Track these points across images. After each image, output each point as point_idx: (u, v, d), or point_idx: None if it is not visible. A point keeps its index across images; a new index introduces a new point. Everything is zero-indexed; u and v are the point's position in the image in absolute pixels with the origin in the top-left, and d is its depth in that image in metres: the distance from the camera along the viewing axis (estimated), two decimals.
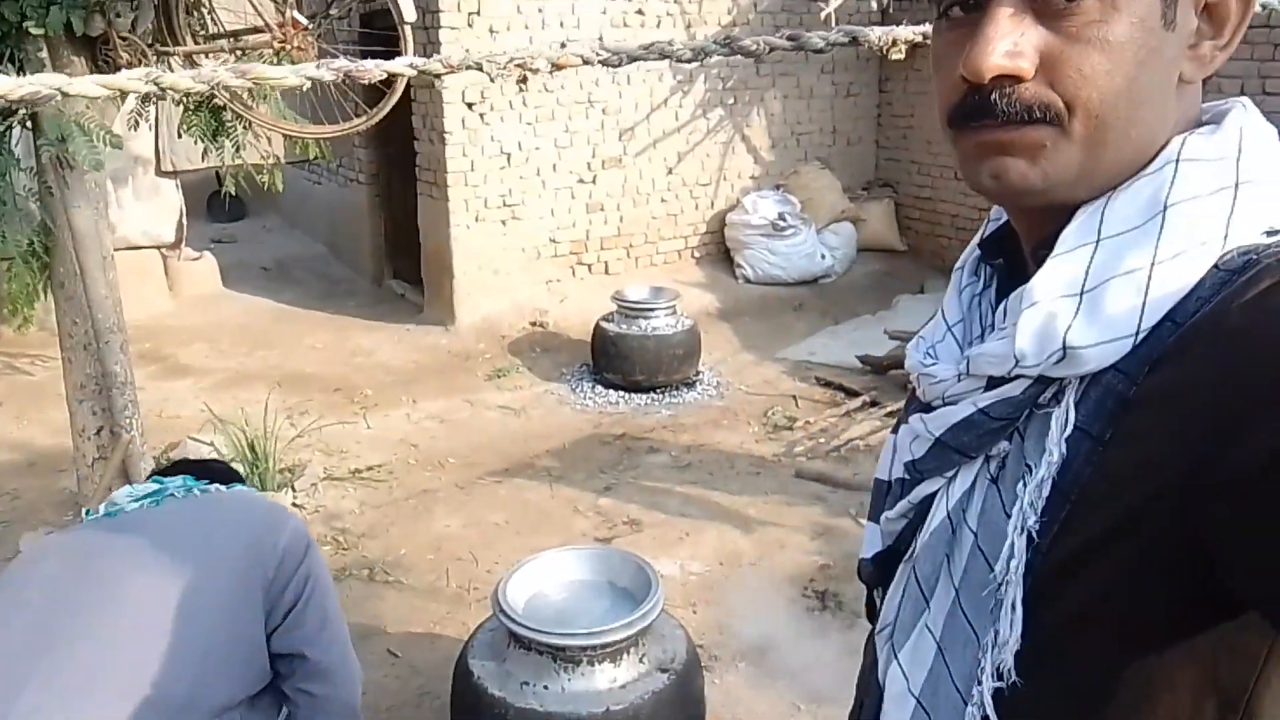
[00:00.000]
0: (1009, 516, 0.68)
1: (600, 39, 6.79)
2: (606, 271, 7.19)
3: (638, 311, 5.77)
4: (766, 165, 7.82)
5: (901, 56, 2.36)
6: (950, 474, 0.75)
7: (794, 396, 5.65)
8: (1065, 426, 0.66)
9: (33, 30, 3.21)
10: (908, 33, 2.11)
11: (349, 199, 8.16)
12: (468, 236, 6.60)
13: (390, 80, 3.80)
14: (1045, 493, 0.67)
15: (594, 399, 5.67)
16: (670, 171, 7.39)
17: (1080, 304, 0.65)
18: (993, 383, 0.71)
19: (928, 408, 0.78)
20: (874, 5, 7.33)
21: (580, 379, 5.94)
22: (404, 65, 1.94)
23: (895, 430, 0.84)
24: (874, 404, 5.38)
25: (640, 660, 2.49)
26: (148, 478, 1.91)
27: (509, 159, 6.68)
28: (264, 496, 1.95)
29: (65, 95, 1.48)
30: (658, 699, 2.43)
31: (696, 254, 7.64)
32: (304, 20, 3.54)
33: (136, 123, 4.52)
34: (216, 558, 1.65)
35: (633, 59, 1.90)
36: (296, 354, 6.39)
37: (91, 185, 3.53)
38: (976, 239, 0.83)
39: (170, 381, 5.86)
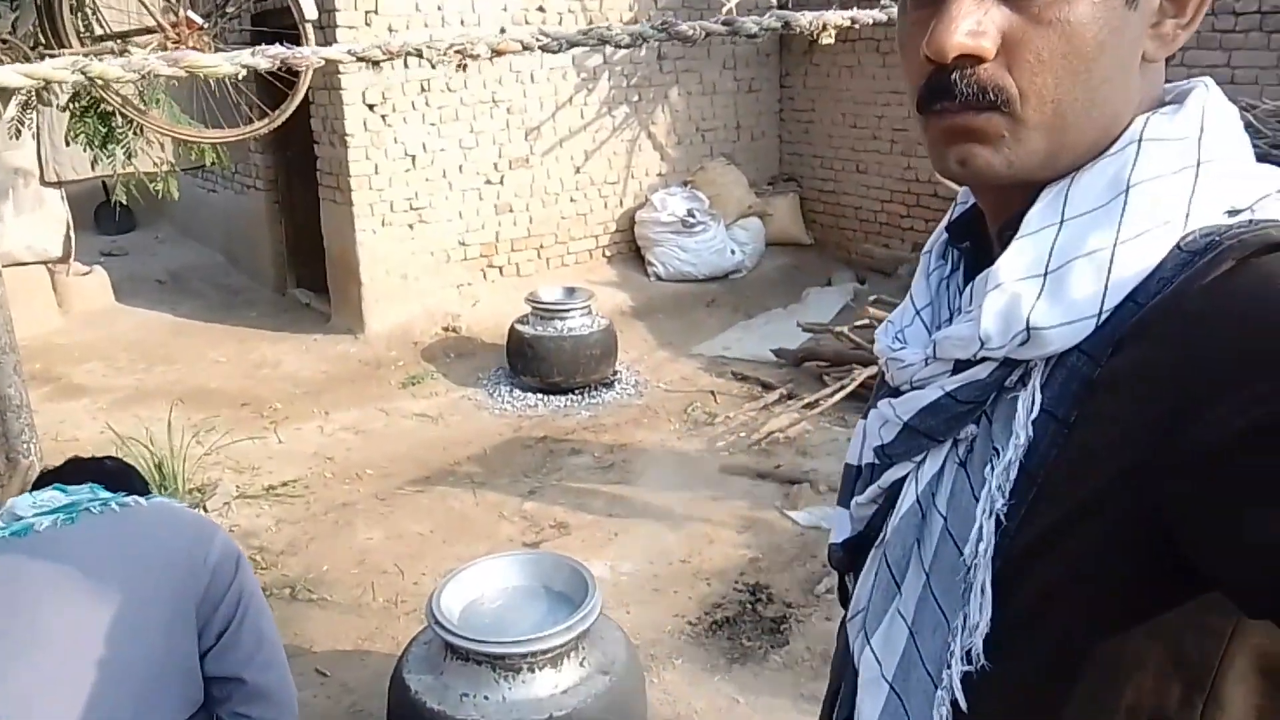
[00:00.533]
0: (977, 500, 0.69)
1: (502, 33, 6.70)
2: (518, 273, 7.12)
3: (553, 312, 5.72)
4: (673, 162, 7.84)
5: (831, 41, 2.38)
6: (919, 458, 0.75)
7: (712, 392, 5.68)
8: (1031, 409, 0.66)
9: None
10: (837, 17, 2.13)
11: (246, 206, 7.90)
12: (374, 241, 6.46)
13: (291, 80, 3.69)
14: (1013, 475, 0.67)
15: (512, 402, 5.60)
16: (578, 170, 7.35)
17: (1044, 285, 0.65)
18: (960, 366, 0.71)
19: (896, 392, 0.78)
20: (773, 2, 7.41)
21: (497, 383, 5.86)
22: (341, 51, 1.88)
23: (865, 415, 0.83)
24: (791, 396, 5.44)
25: (581, 664, 2.46)
26: (44, 482, 1.74)
27: (414, 161, 6.55)
28: (185, 508, 1.83)
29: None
30: (600, 702, 2.40)
31: (607, 253, 7.62)
32: (199, 19, 3.41)
33: (18, 131, 4.30)
34: (145, 579, 1.56)
35: (572, 44, 1.87)
36: (198, 368, 6.16)
37: None
38: (944, 221, 0.83)
39: (65, 402, 5.59)
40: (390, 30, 6.26)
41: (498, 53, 1.91)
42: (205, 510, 4.22)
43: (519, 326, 5.76)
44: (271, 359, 6.34)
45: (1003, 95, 0.65)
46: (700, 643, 3.32)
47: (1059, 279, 0.65)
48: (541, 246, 7.26)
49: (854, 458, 0.84)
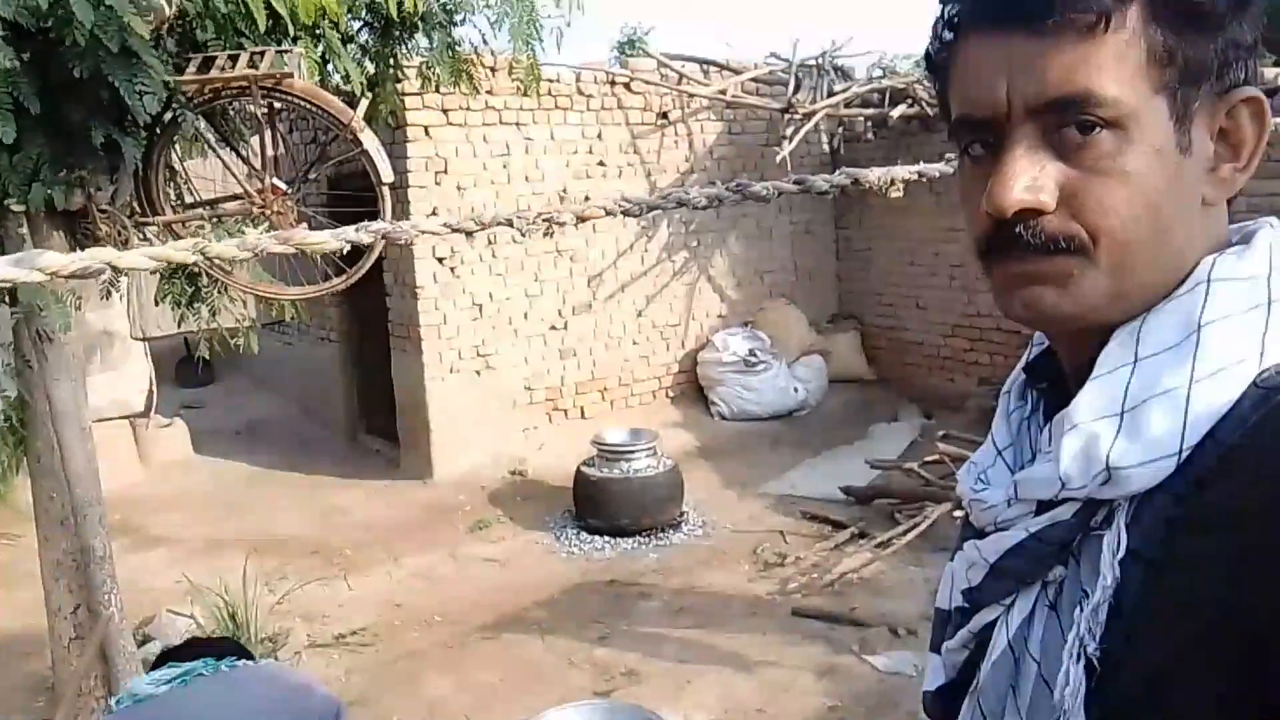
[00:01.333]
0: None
1: (564, 191, 6.98)
2: (583, 416, 7.19)
3: (618, 454, 5.74)
4: (733, 303, 7.96)
5: (900, 194, 2.43)
6: (1008, 601, 0.74)
7: (781, 532, 5.59)
8: (1118, 549, 0.65)
9: (14, 207, 3.24)
10: (904, 172, 2.19)
11: (320, 357, 8.16)
12: (442, 388, 6.60)
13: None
14: (1102, 618, 0.65)
15: (579, 546, 5.57)
16: (640, 314, 7.49)
17: (1121, 424, 0.65)
18: (1043, 507, 0.71)
19: (981, 534, 0.77)
20: (824, 147, 7.64)
21: (564, 526, 5.84)
22: (438, 224, 1.98)
23: (952, 558, 0.82)
24: (863, 535, 5.33)
25: None
26: (162, 661, 1.87)
27: (480, 310, 6.75)
28: (288, 668, 1.91)
29: (114, 269, 1.48)
30: None
31: (670, 394, 7.67)
32: (283, 186, 3.61)
33: (109, 292, 4.54)
34: None
35: (651, 208, 1.95)
36: (271, 517, 6.25)
37: (70, 357, 3.50)
38: (1022, 363, 0.84)
39: (143, 553, 5.68)
40: (459, 189, 6.55)
41: (582, 219, 1.99)
42: (277, 660, 4.21)
43: (585, 469, 5.78)
44: (342, 506, 6.42)
45: (1075, 241, 0.67)
46: None
47: (1136, 418, 0.65)
48: (605, 389, 7.35)
49: (944, 601, 0.83)
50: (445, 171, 6.50)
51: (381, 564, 5.43)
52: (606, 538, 5.61)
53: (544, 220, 1.96)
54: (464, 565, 5.39)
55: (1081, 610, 0.66)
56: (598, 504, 5.66)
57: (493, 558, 5.46)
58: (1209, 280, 0.67)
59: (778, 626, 4.40)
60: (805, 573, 4.98)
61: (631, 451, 5.73)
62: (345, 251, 2.05)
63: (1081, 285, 0.67)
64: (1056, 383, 0.77)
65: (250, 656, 1.94)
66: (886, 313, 8.16)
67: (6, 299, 3.35)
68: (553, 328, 7.07)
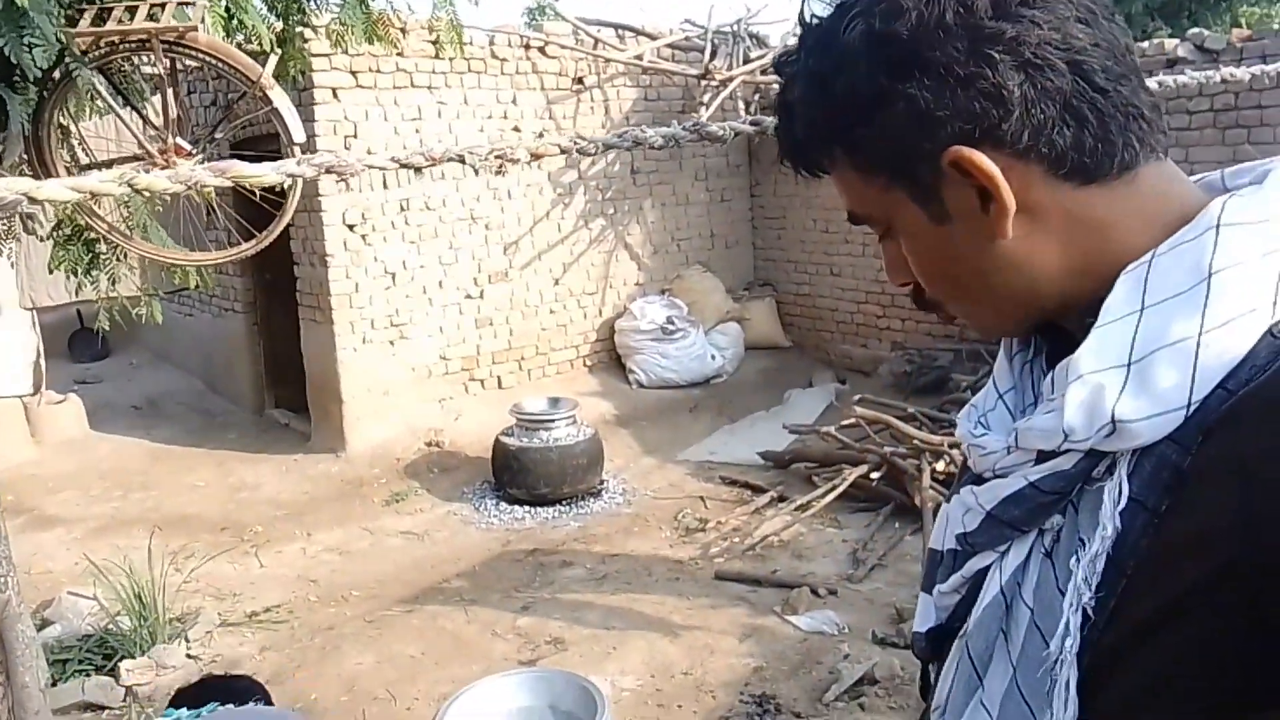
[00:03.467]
0: (1063, 592, 0.67)
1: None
2: (500, 386, 7.10)
3: (538, 423, 5.69)
4: (650, 271, 7.94)
5: None
6: (1003, 548, 0.73)
7: (701, 498, 5.62)
8: (1119, 500, 0.65)
9: None
10: None
11: (225, 328, 7.88)
12: (355, 359, 6.44)
13: (277, 201, 3.72)
14: (1099, 568, 0.65)
15: (499, 516, 5.51)
16: (557, 283, 7.42)
17: (1128, 376, 0.64)
18: (1043, 455, 0.70)
19: (979, 479, 0.76)
20: (741, 114, 7.63)
21: (483, 497, 5.78)
22: (386, 159, 1.90)
23: (948, 499, 0.81)
24: (782, 499, 5.40)
25: None
26: (176, 703, 1.89)
27: (394, 278, 6.59)
28: (279, 710, 1.89)
29: (32, 200, 1.37)
30: None
31: (588, 362, 7.63)
32: (187, 145, 3.44)
33: None
34: None
35: (608, 147, 1.90)
36: (176, 494, 6.03)
37: None
38: None
39: (38, 533, 5.43)
40: (369, 153, 6.36)
41: (535, 156, 1.94)
42: (187, 640, 4.07)
43: (504, 439, 5.71)
44: (251, 481, 6.23)
45: (929, 300, 0.78)
46: None
47: (1143, 370, 0.64)
48: (522, 359, 7.27)
49: (937, 543, 0.82)
50: (355, 136, 6.31)
51: (294, 540, 5.29)
52: (527, 507, 5.57)
53: (497, 156, 1.89)
54: (380, 539, 5.29)
55: (1078, 560, 0.65)
56: (517, 473, 5.61)
57: (410, 530, 5.37)
58: (1218, 225, 0.65)
59: (701, 590, 4.42)
60: (726, 537, 5.02)
61: (551, 420, 5.69)
62: (282, 188, 1.95)
63: (969, 323, 0.79)
64: (1059, 326, 0.76)
65: (266, 695, 1.90)
66: (801, 280, 8.24)
67: None
68: (468, 296, 6.95)
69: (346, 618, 4.35)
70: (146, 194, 1.64)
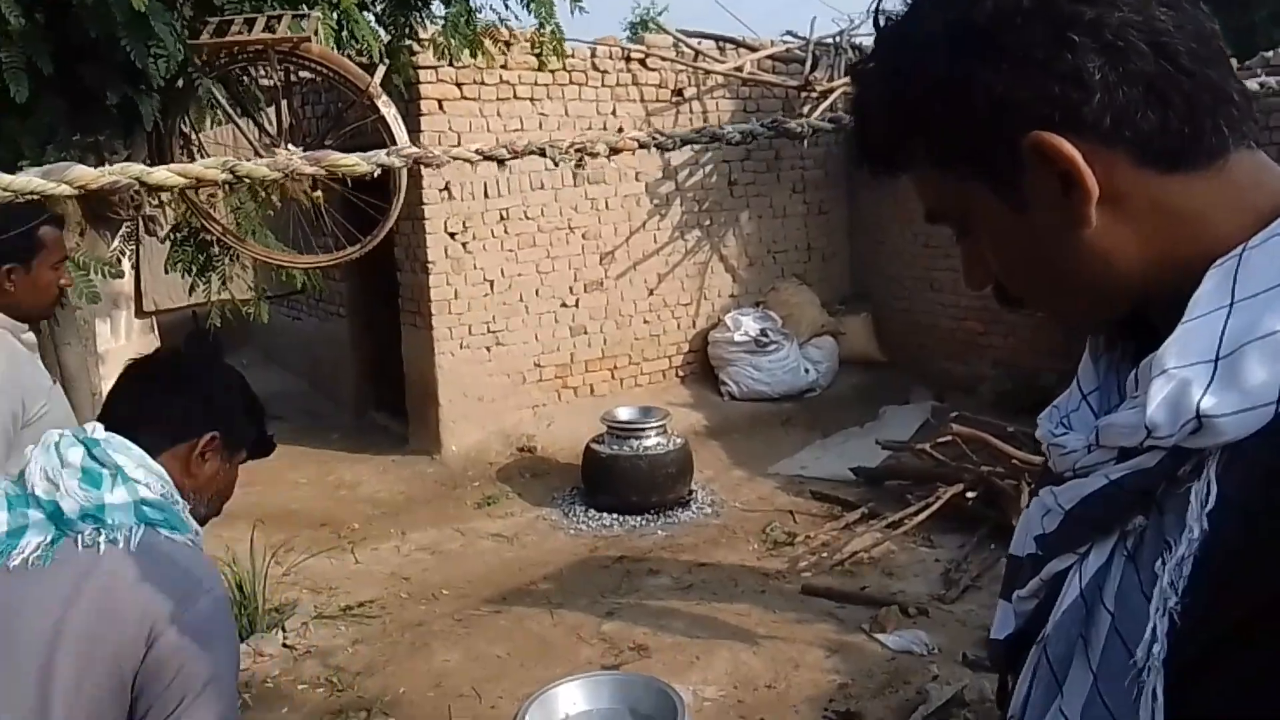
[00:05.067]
0: (1147, 597, 0.64)
1: (578, 164, 6.93)
2: (592, 393, 7.16)
3: (629, 432, 5.72)
4: (745, 283, 7.92)
5: None
6: (1083, 550, 0.71)
7: (790, 512, 5.57)
8: (1207, 501, 0.62)
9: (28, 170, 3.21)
10: None
11: (329, 332, 8.14)
12: (452, 364, 6.58)
13: (382, 208, 3.83)
14: (1186, 572, 0.62)
15: (588, 522, 5.56)
16: (651, 293, 7.46)
17: (1215, 371, 0.62)
18: (1125, 454, 0.68)
19: (1059, 480, 0.74)
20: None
21: (572, 503, 5.83)
22: (470, 151, 1.96)
23: (1027, 504, 0.80)
24: (873, 516, 5.31)
25: None
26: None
27: (492, 286, 6.72)
28: (192, 561, 1.43)
29: (143, 184, 1.45)
30: None
31: (681, 373, 7.65)
32: (298, 152, 3.57)
33: (119, 259, 4.51)
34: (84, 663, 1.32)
35: (685, 142, 1.93)
36: (279, 490, 6.24)
37: (81, 323, 3.48)
38: None
39: None
40: (472, 165, 6.50)
41: (615, 151, 1.98)
42: (284, 630, 4.20)
43: (594, 446, 5.76)
44: (350, 480, 6.41)
45: (1012, 296, 0.77)
46: None
47: (1231, 365, 0.62)
48: (615, 367, 7.32)
49: (1017, 548, 0.80)
50: (457, 144, 6.46)
51: (389, 538, 5.42)
52: (615, 515, 5.60)
53: (576, 150, 1.93)
54: (471, 541, 5.38)
55: (1164, 563, 0.63)
56: (607, 481, 5.65)
57: (500, 534, 5.45)
58: None
59: (787, 604, 4.38)
60: (815, 551, 4.96)
61: (642, 429, 5.71)
62: (375, 175, 2.02)
63: (1052, 317, 0.79)
64: (1146, 325, 0.74)
65: (201, 408, 1.55)
66: (899, 294, 8.10)
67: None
68: (564, 304, 7.04)
69: (436, 615, 4.44)
70: (247, 181, 1.72)
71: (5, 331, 2.31)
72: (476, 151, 1.98)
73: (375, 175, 1.95)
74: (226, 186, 3.86)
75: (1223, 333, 0.63)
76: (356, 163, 1.80)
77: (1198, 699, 0.61)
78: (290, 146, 3.55)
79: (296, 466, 6.68)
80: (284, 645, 4.12)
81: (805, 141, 7.05)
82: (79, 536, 1.34)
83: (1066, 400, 0.78)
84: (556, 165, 2.04)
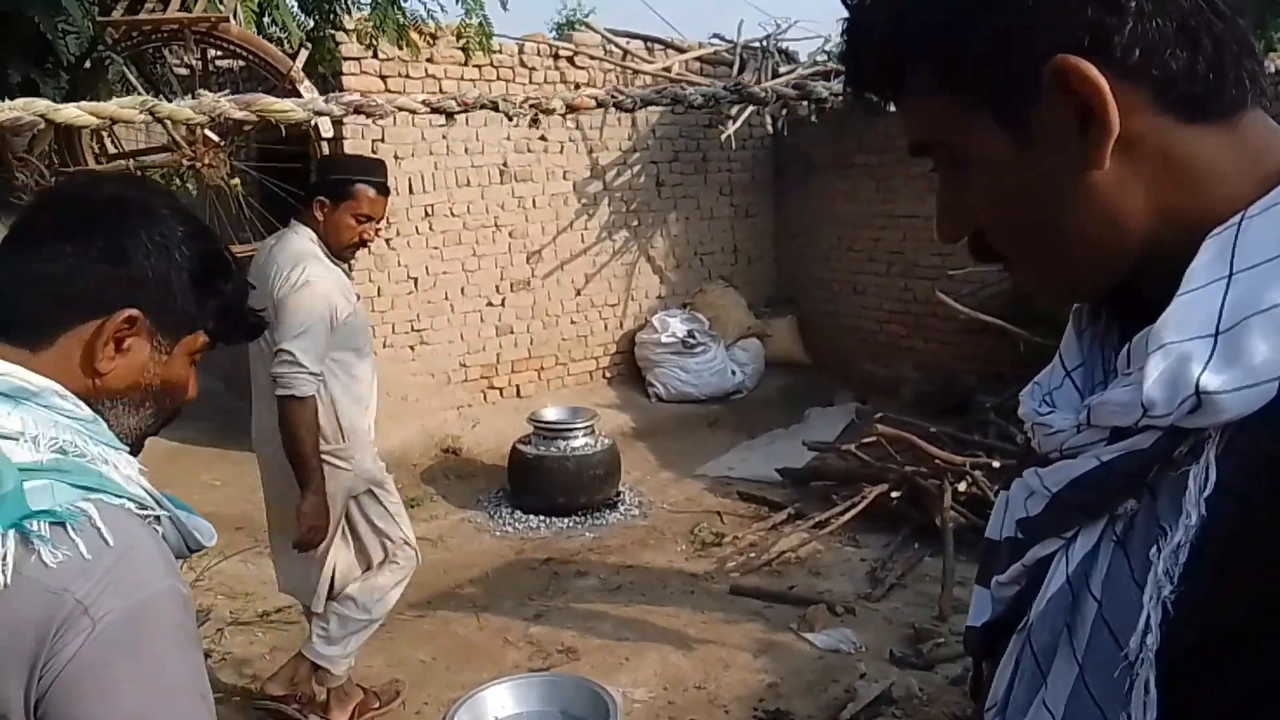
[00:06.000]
0: (1138, 584, 0.61)
1: (504, 163, 6.86)
2: (518, 394, 7.07)
3: (556, 432, 5.65)
4: (672, 285, 7.91)
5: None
6: (1069, 534, 0.67)
7: (718, 512, 5.56)
8: (1205, 485, 0.59)
9: None
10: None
11: None
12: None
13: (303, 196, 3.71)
14: (1182, 559, 0.59)
15: (514, 524, 5.47)
16: (579, 293, 7.40)
17: (1215, 346, 0.59)
18: (1117, 434, 0.65)
19: (1044, 461, 0.70)
20: (768, 129, 7.62)
21: (498, 504, 5.74)
22: (417, 101, 1.89)
23: (1007, 485, 0.76)
24: (799, 516, 5.32)
25: None
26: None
27: (416, 284, 6.59)
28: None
29: (49, 121, 1.35)
30: None
31: (608, 374, 7.60)
32: (215, 138, 3.44)
33: None
34: None
35: (647, 102, 1.89)
36: (193, 493, 6.01)
37: None
38: None
39: None
40: (396, 158, 6.37)
41: (571, 109, 1.93)
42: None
43: (521, 447, 5.68)
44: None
45: (991, 251, 0.71)
46: None
47: (1232, 339, 0.58)
48: (542, 368, 7.25)
49: (994, 532, 0.76)
50: (382, 140, 6.32)
51: None
52: (542, 516, 5.52)
53: (532, 106, 1.88)
54: None
55: (1159, 549, 0.60)
56: (533, 482, 5.57)
57: (425, 536, 5.31)
58: None
59: (716, 604, 4.36)
60: (742, 552, 4.95)
61: (570, 429, 5.65)
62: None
63: (1034, 282, 0.71)
64: (1132, 299, 0.70)
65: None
66: (825, 297, 8.19)
67: None
68: (490, 304, 6.94)
69: None
70: (169, 122, 1.62)
71: (323, 255, 3.01)
72: (423, 103, 1.91)
73: (311, 123, 1.86)
74: (139, 172, 3.71)
75: (1222, 305, 0.60)
76: (290, 109, 1.71)
77: (1191, 692, 0.58)
78: (207, 132, 3.42)
79: (212, 467, 6.46)
80: None
81: (733, 143, 7.08)
82: None
83: (1049, 377, 0.74)
84: (510, 120, 1.99)
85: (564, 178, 7.21)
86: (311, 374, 2.95)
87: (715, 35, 7.94)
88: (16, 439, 0.91)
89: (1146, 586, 0.60)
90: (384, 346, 6.44)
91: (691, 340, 7.36)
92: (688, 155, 7.88)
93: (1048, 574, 0.68)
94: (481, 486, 6.01)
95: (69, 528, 0.90)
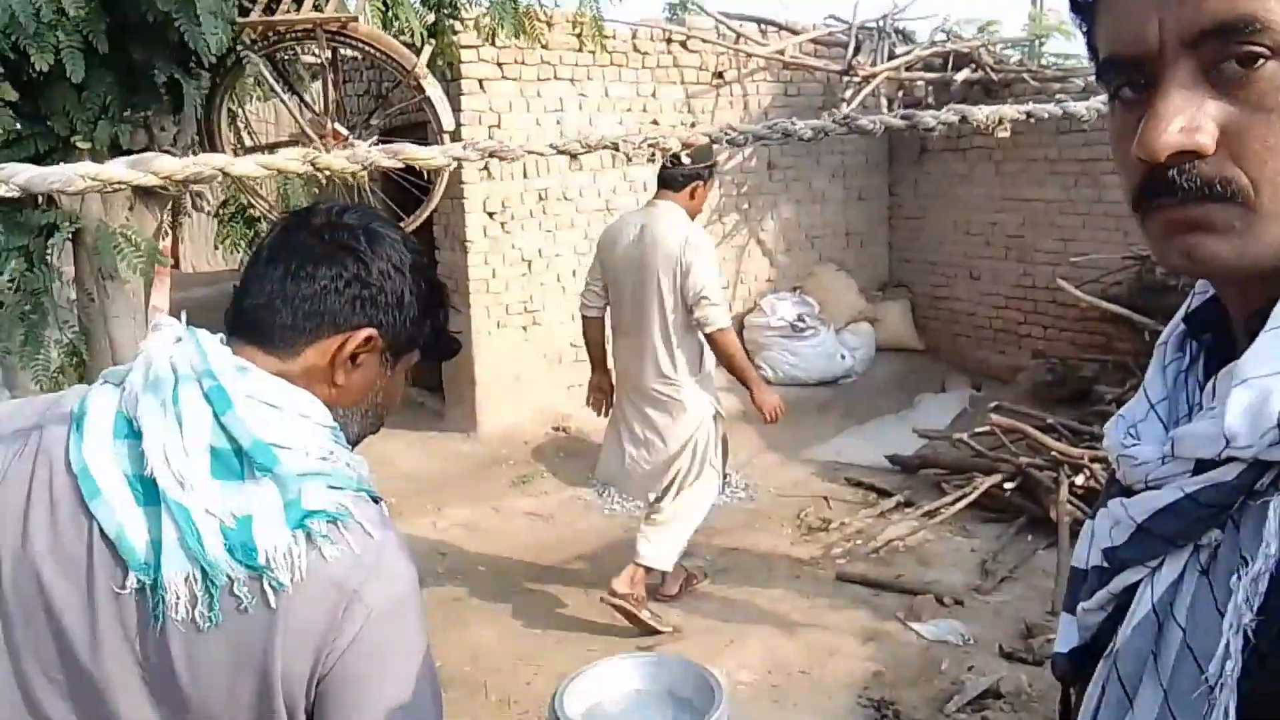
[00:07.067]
0: (1220, 613, 0.62)
1: (617, 147, 6.92)
2: None
3: None
4: (782, 268, 7.88)
5: (1007, 134, 2.35)
6: (1154, 563, 0.69)
7: (825, 498, 5.56)
8: None
9: (80, 144, 3.26)
10: (1012, 111, 2.13)
11: None
12: (489, 344, 6.61)
13: (425, 187, 3.85)
14: (1262, 589, 0.60)
15: (621, 503, 5.57)
16: None
17: None
18: (1201, 466, 0.66)
19: (1128, 491, 0.72)
20: (884, 111, 7.49)
21: (606, 484, 5.84)
22: (544, 145, 1.98)
23: (1093, 515, 0.78)
24: (908, 504, 5.29)
25: None
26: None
27: (529, 266, 6.73)
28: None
29: (227, 175, 1.48)
30: None
31: None
32: (345, 131, 3.60)
33: (168, 233, 4.58)
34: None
35: (757, 138, 1.93)
36: None
37: (130, 296, 3.54)
38: (1181, 312, 0.78)
39: None
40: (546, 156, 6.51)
41: (687, 146, 1.98)
42: None
43: None
44: (386, 455, 6.45)
45: (1231, 186, 0.61)
46: None
47: None
48: None
49: (1080, 560, 0.78)
50: (499, 126, 6.47)
51: (425, 514, 5.47)
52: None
53: (650, 145, 1.94)
54: (507, 518, 5.42)
55: (1239, 579, 0.61)
56: None
57: (535, 512, 5.49)
58: None
59: (821, 590, 4.38)
60: (849, 538, 4.95)
61: None
62: (429, 174, 2.03)
63: (1245, 235, 0.62)
64: (1221, 334, 0.71)
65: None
66: (939, 282, 8.03)
67: (72, 237, 3.38)
68: None
69: (473, 592, 4.48)
70: (326, 173, 1.73)
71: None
72: (550, 146, 1.99)
73: (451, 168, 1.96)
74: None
75: None
76: (433, 156, 1.81)
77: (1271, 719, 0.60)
78: (336, 125, 3.58)
79: None
80: None
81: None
82: (232, 584, 0.98)
83: (1133, 409, 0.76)
84: (629, 160, 2.05)
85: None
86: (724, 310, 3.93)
87: (831, 16, 7.84)
88: (291, 448, 1.04)
89: (1227, 614, 0.62)
90: (498, 327, 6.62)
91: (801, 324, 7.33)
92: (903, 111, 7.81)
93: (1133, 602, 0.70)
94: (591, 465, 6.12)
95: (340, 525, 1.04)
